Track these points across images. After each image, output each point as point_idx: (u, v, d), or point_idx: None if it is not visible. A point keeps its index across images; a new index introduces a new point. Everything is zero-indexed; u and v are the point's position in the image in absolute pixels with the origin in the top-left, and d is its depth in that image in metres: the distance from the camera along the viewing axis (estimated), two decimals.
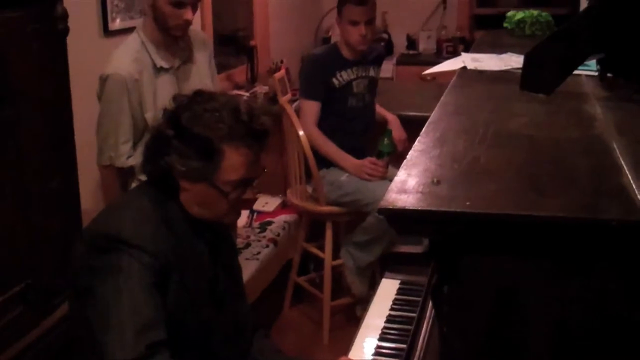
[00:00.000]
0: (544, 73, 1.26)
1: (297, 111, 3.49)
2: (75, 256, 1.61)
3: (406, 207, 0.76)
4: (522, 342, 0.79)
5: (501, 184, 0.81)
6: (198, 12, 2.86)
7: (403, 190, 0.80)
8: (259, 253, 3.41)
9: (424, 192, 0.79)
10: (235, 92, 4.10)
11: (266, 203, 3.90)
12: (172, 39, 2.61)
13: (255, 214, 3.80)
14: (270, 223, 3.73)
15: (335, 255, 3.48)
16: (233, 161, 1.59)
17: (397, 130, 3.52)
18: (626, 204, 0.72)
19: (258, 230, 3.66)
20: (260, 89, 4.30)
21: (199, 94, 1.68)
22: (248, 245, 3.46)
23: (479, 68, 1.72)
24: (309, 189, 3.53)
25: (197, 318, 1.64)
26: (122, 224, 1.56)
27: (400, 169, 0.86)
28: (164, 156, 1.60)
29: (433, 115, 1.12)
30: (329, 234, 3.44)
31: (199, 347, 1.65)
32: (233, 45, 4.50)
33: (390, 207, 0.76)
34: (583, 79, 1.48)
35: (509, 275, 0.76)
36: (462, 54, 1.94)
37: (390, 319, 1.96)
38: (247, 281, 3.14)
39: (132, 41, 2.60)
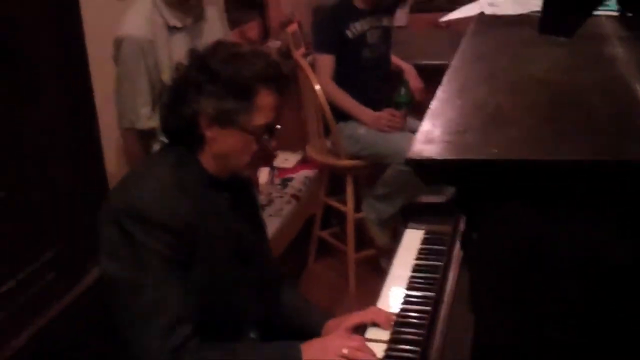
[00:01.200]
0: (563, 15, 1.24)
1: (312, 65, 3.48)
2: (100, 225, 1.63)
3: (433, 157, 0.77)
4: (550, 286, 0.81)
5: (524, 129, 0.82)
6: None
7: (429, 140, 0.81)
8: (281, 209, 3.44)
9: (449, 142, 0.79)
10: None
11: (286, 159, 3.92)
12: None
13: (276, 171, 3.82)
14: (291, 179, 3.76)
15: (357, 208, 3.51)
16: (265, 102, 1.61)
17: (413, 80, 3.50)
18: None
19: (280, 186, 3.69)
20: (273, 44, 4.28)
21: (221, 42, 1.70)
22: (270, 202, 3.49)
23: (497, 13, 1.71)
24: (328, 143, 3.54)
25: (224, 276, 1.66)
26: (143, 199, 1.57)
27: (425, 119, 0.87)
28: (192, 104, 1.60)
29: (453, 64, 1.12)
30: (350, 187, 3.46)
31: (227, 304, 1.68)
32: None
33: (417, 157, 0.77)
34: (603, 20, 1.46)
35: (535, 220, 0.77)
36: None
37: (416, 268, 1.98)
38: (271, 238, 3.17)
39: (145, 1, 2.59)
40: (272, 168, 3.77)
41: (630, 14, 1.35)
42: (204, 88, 1.59)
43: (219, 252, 1.65)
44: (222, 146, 1.64)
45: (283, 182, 3.73)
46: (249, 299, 1.74)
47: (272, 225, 3.20)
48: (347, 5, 3.40)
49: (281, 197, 3.56)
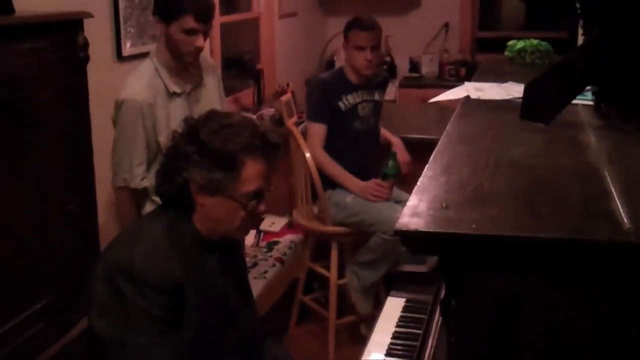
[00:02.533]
0: (542, 104, 1.34)
1: (304, 134, 3.58)
2: (92, 281, 1.67)
3: (419, 229, 0.85)
4: (522, 347, 0.88)
5: (502, 208, 0.90)
6: None
7: (415, 214, 0.89)
8: (266, 272, 3.49)
9: (434, 216, 0.88)
10: (243, 114, 4.20)
11: (273, 223, 3.99)
12: (184, 65, 2.71)
13: (262, 234, 3.88)
14: (276, 243, 3.82)
15: (341, 274, 3.56)
16: (252, 172, 1.68)
17: (401, 153, 3.60)
18: (613, 227, 0.81)
19: (265, 249, 3.75)
20: (267, 111, 4.40)
21: (213, 112, 1.79)
22: (255, 264, 3.54)
23: (482, 97, 1.82)
24: (315, 210, 3.61)
25: (210, 337, 1.70)
26: (137, 259, 1.62)
27: (412, 195, 0.96)
28: (182, 172, 1.69)
29: (440, 144, 1.22)
30: (334, 253, 3.52)
31: None
32: (240, 68, 4.60)
33: (404, 229, 0.85)
34: (579, 108, 1.58)
35: (510, 289, 0.85)
36: (465, 83, 2.04)
37: (396, 335, 2.03)
38: (255, 300, 3.22)
39: (146, 67, 2.70)
40: (258, 231, 3.84)
41: (603, 105, 1.46)
42: (193, 158, 1.68)
43: (205, 312, 1.69)
44: (211, 212, 1.71)
45: (269, 245, 3.79)
46: (233, 356, 1.78)
47: (256, 287, 3.24)
48: (341, 78, 3.52)
49: (266, 260, 3.62)
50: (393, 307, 2.21)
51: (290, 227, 3.97)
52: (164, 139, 2.60)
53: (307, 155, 3.42)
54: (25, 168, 2.04)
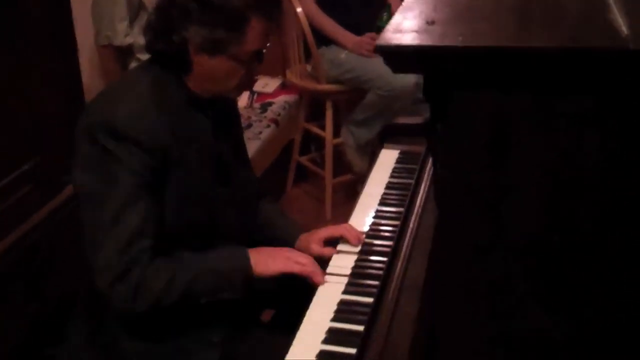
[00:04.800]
0: None
1: None
2: (77, 139, 1.60)
3: (401, 44, 0.78)
4: (514, 177, 0.83)
5: (493, 22, 0.83)
6: None
7: (398, 30, 0.82)
8: (260, 133, 3.44)
9: (418, 31, 0.81)
10: None
11: (266, 84, 3.90)
12: None
13: (255, 95, 3.81)
14: (270, 104, 3.75)
15: (336, 133, 3.53)
16: (257, 30, 1.58)
17: (396, 5, 3.47)
18: (611, 35, 0.74)
19: (259, 110, 3.68)
20: None
21: None
22: (249, 125, 3.49)
23: None
24: (309, 68, 3.52)
25: (201, 196, 1.66)
26: (121, 115, 1.55)
27: (397, 14, 0.88)
28: (181, 31, 1.58)
29: None
30: (329, 112, 3.47)
31: (203, 224, 1.69)
32: None
33: (385, 44, 0.79)
34: None
35: (500, 110, 0.79)
36: None
37: (389, 186, 2.01)
38: (250, 160, 3.19)
39: None
40: (252, 92, 3.76)
41: None
42: (193, 16, 1.56)
43: (196, 173, 1.64)
44: (209, 71, 1.62)
45: (262, 106, 3.72)
46: (227, 219, 1.76)
47: (250, 148, 3.20)
48: None
49: (260, 121, 3.57)
50: (387, 158, 2.18)
51: (284, 87, 3.89)
52: None
53: (299, 10, 3.30)
54: (2, 27, 1.95)
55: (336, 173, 3.59)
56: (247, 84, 1.75)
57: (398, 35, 0.80)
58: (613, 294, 0.87)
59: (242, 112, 3.58)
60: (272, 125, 3.55)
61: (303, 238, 1.83)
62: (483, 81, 0.77)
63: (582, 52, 0.71)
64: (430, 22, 0.81)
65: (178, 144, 1.60)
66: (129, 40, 2.55)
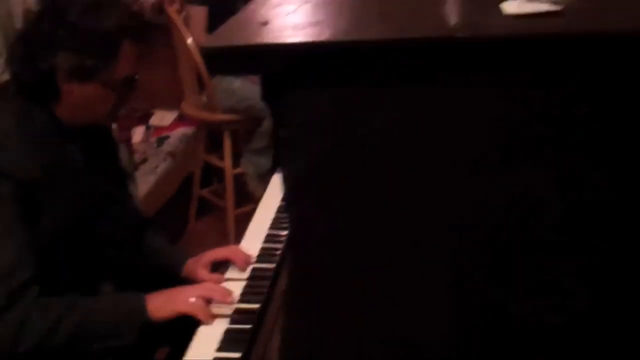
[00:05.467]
0: None
1: (187, 20, 3.40)
2: None
3: (224, 45, 0.74)
4: (359, 176, 0.80)
5: (329, 16, 0.80)
6: None
7: (229, 31, 0.78)
8: (157, 167, 3.37)
9: (250, 30, 0.77)
10: None
11: (162, 117, 3.83)
12: None
13: (152, 129, 3.73)
14: (167, 137, 3.68)
15: (237, 164, 3.48)
16: (128, 54, 1.55)
17: None
18: (440, 25, 0.72)
19: (155, 145, 3.61)
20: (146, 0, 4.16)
21: None
22: (145, 160, 3.41)
23: None
24: (204, 99, 3.47)
25: (74, 229, 1.60)
26: None
27: (231, 19, 0.85)
28: (48, 59, 1.51)
29: None
30: (227, 142, 3.42)
31: (78, 258, 1.62)
32: None
33: (211, 45, 0.74)
34: None
35: (339, 108, 0.76)
36: None
37: (281, 209, 1.98)
38: (146, 195, 3.11)
39: None
40: (147, 127, 3.68)
41: None
42: (60, 42, 1.51)
43: (69, 206, 1.58)
44: (80, 99, 1.57)
45: (159, 140, 3.64)
46: (103, 252, 1.69)
47: (146, 183, 3.14)
48: None
49: (157, 155, 3.49)
50: (279, 183, 2.14)
51: (181, 120, 3.82)
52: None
53: (189, 41, 3.25)
54: None
55: (239, 204, 3.52)
56: (119, 111, 1.69)
57: (225, 37, 0.76)
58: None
59: (137, 147, 3.51)
60: (169, 159, 3.47)
61: (190, 263, 1.79)
62: (317, 79, 0.74)
63: (408, 42, 0.69)
64: (263, 23, 0.78)
65: (49, 176, 1.53)
66: (5, 77, 2.43)
